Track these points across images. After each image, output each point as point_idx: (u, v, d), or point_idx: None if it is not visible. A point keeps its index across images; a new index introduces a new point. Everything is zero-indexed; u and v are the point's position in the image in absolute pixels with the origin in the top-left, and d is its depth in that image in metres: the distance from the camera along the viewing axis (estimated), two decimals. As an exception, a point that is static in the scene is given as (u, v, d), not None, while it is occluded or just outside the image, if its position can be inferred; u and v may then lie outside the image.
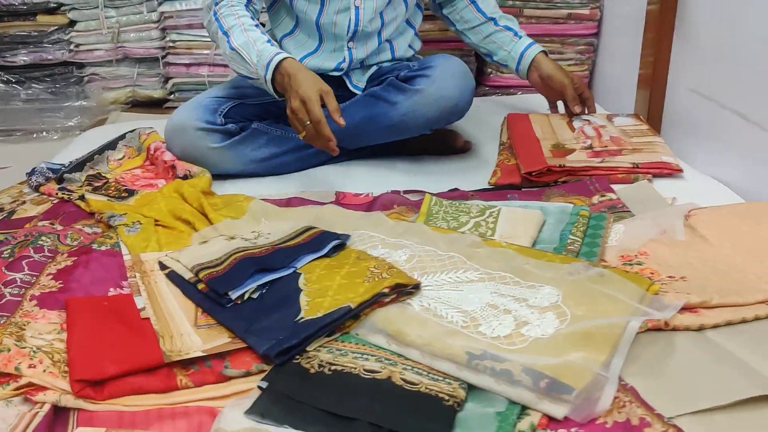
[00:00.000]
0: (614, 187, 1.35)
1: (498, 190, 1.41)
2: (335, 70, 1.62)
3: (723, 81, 1.46)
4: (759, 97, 1.34)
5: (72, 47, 2.50)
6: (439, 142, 1.67)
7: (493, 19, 1.74)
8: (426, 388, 0.84)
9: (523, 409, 0.81)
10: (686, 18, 1.57)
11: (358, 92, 1.63)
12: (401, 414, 0.80)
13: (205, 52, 2.48)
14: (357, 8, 1.56)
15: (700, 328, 0.93)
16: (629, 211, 1.26)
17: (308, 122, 1.34)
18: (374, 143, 1.62)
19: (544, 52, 1.70)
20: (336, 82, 1.60)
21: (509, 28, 1.73)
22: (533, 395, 0.81)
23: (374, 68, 1.67)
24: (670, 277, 1.04)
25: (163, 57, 2.57)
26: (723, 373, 0.84)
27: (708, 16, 1.50)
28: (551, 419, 0.79)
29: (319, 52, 1.62)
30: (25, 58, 2.55)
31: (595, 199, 1.31)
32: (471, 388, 0.85)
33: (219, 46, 1.52)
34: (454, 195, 1.39)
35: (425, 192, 1.38)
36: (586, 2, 2.15)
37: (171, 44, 2.49)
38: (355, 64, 1.64)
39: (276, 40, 1.64)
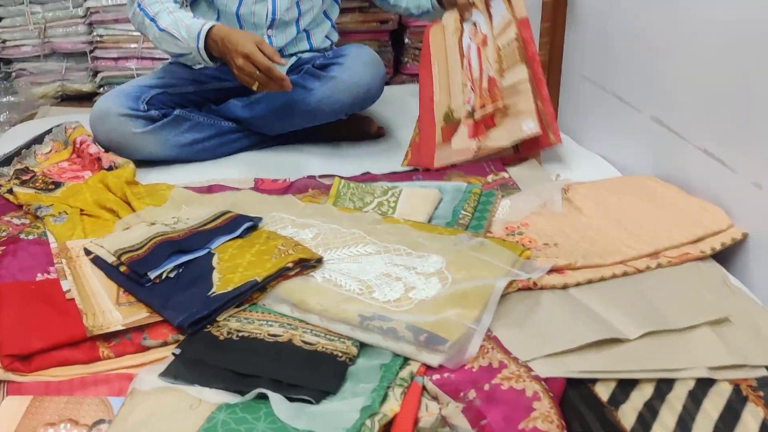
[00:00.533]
0: (507, 168, 1.48)
1: (405, 173, 1.53)
2: None
3: (606, 67, 1.60)
4: (632, 80, 1.49)
5: (-1, 43, 2.52)
6: (354, 128, 1.78)
7: None
8: (323, 348, 0.96)
9: (405, 361, 0.93)
10: (576, 9, 1.71)
11: None
12: (299, 370, 0.92)
13: (133, 45, 2.52)
14: None
15: (565, 287, 1.07)
16: (518, 188, 1.40)
17: (257, 73, 1.47)
18: (293, 128, 1.72)
19: None
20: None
21: None
22: (413, 348, 0.93)
23: (294, 59, 1.76)
24: (545, 244, 1.18)
25: (91, 51, 2.60)
26: (576, 323, 0.97)
27: (593, 7, 1.64)
28: (428, 367, 0.92)
29: None
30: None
31: (490, 178, 1.45)
32: (362, 346, 0.97)
33: (148, 34, 1.62)
34: (365, 178, 1.50)
35: (336, 176, 1.49)
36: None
37: (98, 39, 2.52)
38: (288, 50, 1.74)
39: None
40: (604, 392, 0.88)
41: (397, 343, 0.95)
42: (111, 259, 1.18)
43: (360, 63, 1.63)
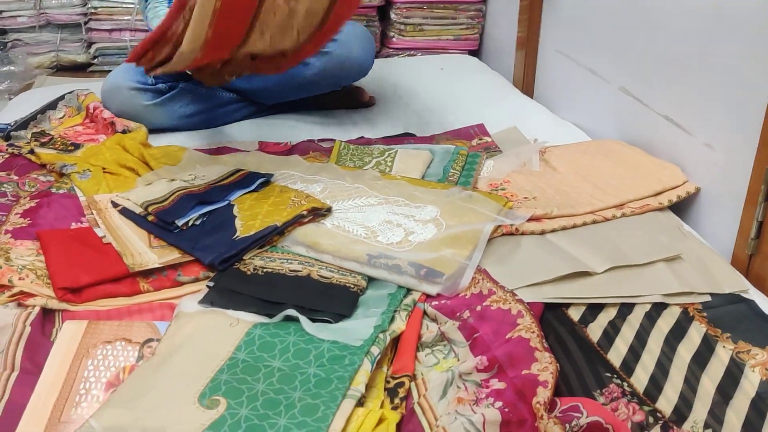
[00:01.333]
0: (490, 132, 1.64)
1: (397, 137, 1.68)
2: None
3: (579, 43, 1.77)
4: (603, 55, 1.65)
5: (-6, 14, 2.59)
6: (347, 97, 1.92)
7: None
8: (337, 281, 1.11)
9: (408, 291, 1.09)
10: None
11: None
12: (318, 298, 1.07)
13: (126, 18, 2.61)
14: None
15: (542, 233, 1.23)
16: (500, 151, 1.56)
17: None
18: (291, 99, 1.85)
19: None
20: None
21: None
22: (415, 280, 1.09)
23: None
24: (524, 197, 1.34)
25: (86, 23, 2.69)
26: (552, 260, 1.14)
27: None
28: (428, 296, 1.08)
29: None
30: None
31: (474, 141, 1.61)
32: (370, 280, 1.13)
33: None
34: (361, 141, 1.65)
35: (336, 139, 1.64)
36: (475, -28, 2.42)
37: (93, 10, 2.60)
38: None
39: None
40: (575, 314, 1.05)
41: (400, 276, 1.10)
42: (138, 210, 1.32)
43: (353, 39, 1.76)
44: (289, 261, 1.16)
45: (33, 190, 1.44)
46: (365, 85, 1.99)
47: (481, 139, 1.61)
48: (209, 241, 1.19)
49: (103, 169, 1.51)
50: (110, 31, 2.65)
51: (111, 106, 1.75)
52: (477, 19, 2.48)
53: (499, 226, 1.22)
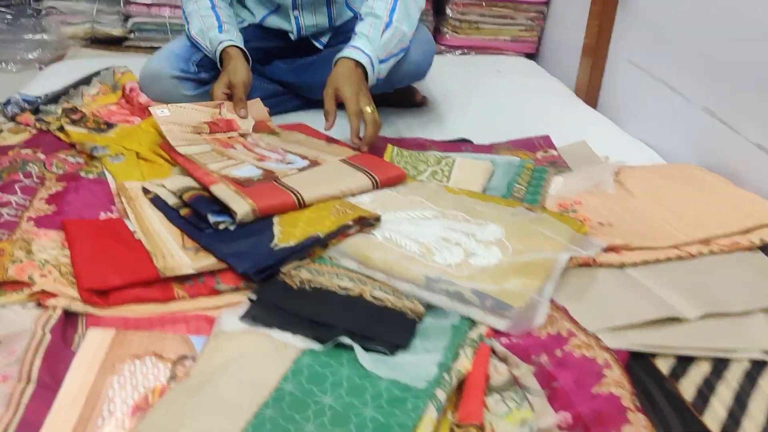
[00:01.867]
0: (556, 145, 1.51)
1: (452, 142, 1.56)
2: (293, 32, 1.72)
3: (656, 54, 1.63)
4: (686, 70, 1.51)
5: (31, -21, 2.50)
6: (399, 97, 1.79)
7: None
8: (392, 304, 0.99)
9: (472, 323, 0.97)
10: (629, -7, 1.73)
11: (321, 47, 1.74)
12: (371, 323, 0.95)
13: (168, -8, 2.52)
14: None
15: (622, 266, 1.11)
16: (568, 167, 1.43)
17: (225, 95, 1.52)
18: None
19: (354, 60, 1.45)
20: (299, 39, 1.72)
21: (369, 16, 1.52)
22: (480, 312, 0.97)
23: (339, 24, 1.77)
24: (599, 223, 1.21)
25: (125, -6, 2.59)
26: (636, 301, 1.01)
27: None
28: (496, 331, 0.96)
29: (278, 13, 1.71)
30: (-19, -12, 2.53)
31: (539, 154, 1.48)
32: (429, 307, 1.00)
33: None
34: (414, 143, 1.53)
35: (386, 138, 1.52)
36: (540, -29, 2.29)
37: (133, -18, 2.51)
38: (308, 30, 1.73)
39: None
40: (663, 366, 0.92)
41: (463, 305, 0.98)
42: (172, 200, 1.20)
43: (413, 40, 1.63)
44: (340, 276, 1.04)
45: (60, 172, 1.33)
46: (416, 84, 1.86)
47: (546, 152, 1.48)
48: (244, 247, 1.08)
49: (137, 154, 1.40)
50: (149, 5, 2.55)
51: (150, 93, 1.64)
52: (537, 20, 2.35)
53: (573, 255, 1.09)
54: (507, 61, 2.25)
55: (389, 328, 0.95)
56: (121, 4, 2.61)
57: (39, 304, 0.96)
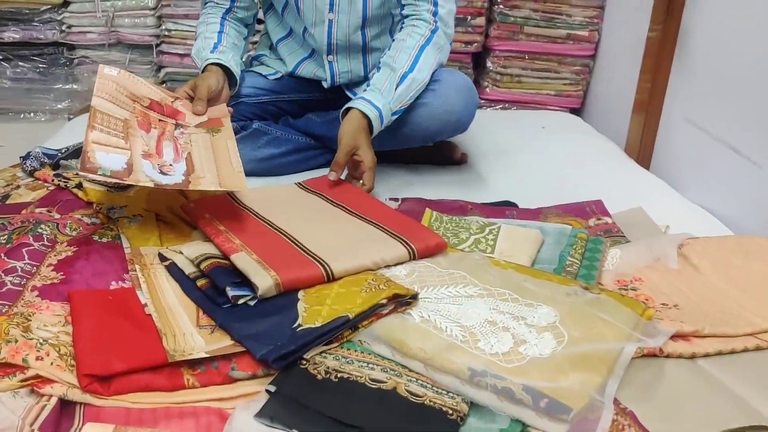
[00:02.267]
0: (613, 212, 1.38)
1: (496, 206, 1.44)
2: (327, 80, 1.64)
3: (717, 113, 1.50)
4: (751, 131, 1.38)
5: (64, 28, 2.46)
6: (437, 153, 1.69)
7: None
8: (430, 401, 0.86)
9: (524, 427, 0.83)
10: (686, 47, 1.62)
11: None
12: (407, 425, 0.82)
13: (201, 43, 2.47)
14: (331, 22, 1.56)
15: (692, 357, 0.97)
16: (624, 236, 1.30)
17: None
18: (375, 150, 1.63)
19: (362, 113, 1.41)
20: (333, 89, 1.64)
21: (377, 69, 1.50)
22: (533, 413, 0.83)
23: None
24: (663, 304, 1.08)
25: (157, 45, 2.55)
26: (714, 402, 0.87)
27: (708, 47, 1.55)
28: (551, 438, 0.82)
29: (312, 59, 1.64)
30: (14, 35, 2.50)
31: (591, 221, 1.35)
32: (473, 404, 0.87)
33: None
34: (453, 205, 1.41)
35: (423, 200, 1.41)
36: (585, 24, 2.19)
37: (166, 33, 2.47)
38: (342, 78, 1.65)
39: (272, 42, 1.69)
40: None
41: (514, 405, 0.85)
42: (189, 269, 1.10)
43: (453, 90, 1.53)
44: (371, 365, 0.92)
45: (74, 234, 1.24)
46: (455, 139, 1.76)
47: (599, 219, 1.35)
48: (263, 327, 0.96)
49: (157, 216, 1.30)
50: (182, 56, 2.51)
51: None
52: (582, 74, 2.24)
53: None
54: (551, 116, 2.13)
55: (427, 430, 0.82)
56: (154, 54, 2.57)
57: (33, 391, 0.85)
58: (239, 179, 1.22)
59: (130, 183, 1.16)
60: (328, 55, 1.60)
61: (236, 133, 1.56)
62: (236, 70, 1.56)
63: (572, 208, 1.39)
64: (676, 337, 0.99)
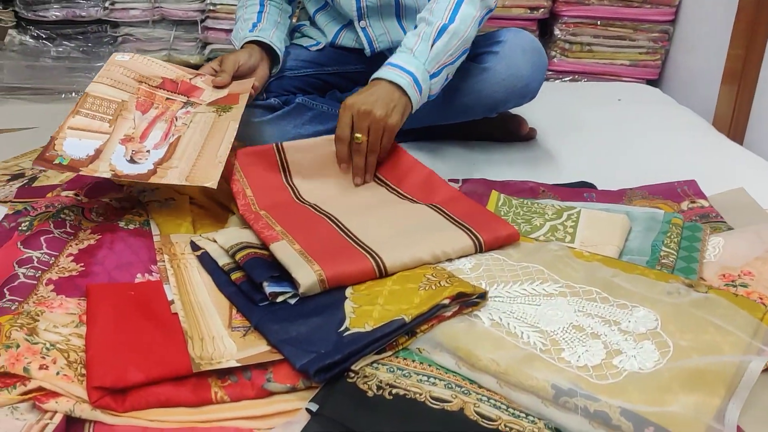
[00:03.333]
0: (707, 194, 1.19)
1: (572, 188, 1.26)
2: (367, 49, 1.49)
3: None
4: None
5: (107, 5, 2.39)
6: (501, 127, 1.52)
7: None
8: (505, 426, 0.71)
9: (624, 462, 0.67)
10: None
11: None
12: (477, 457, 0.67)
13: (247, 18, 2.36)
14: None
15: (824, 370, 0.79)
16: (724, 222, 1.11)
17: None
18: (429, 124, 1.47)
19: (391, 83, 1.19)
20: (378, 59, 1.47)
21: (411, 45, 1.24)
22: (636, 445, 0.67)
23: None
24: (784, 303, 0.89)
25: (202, 21, 2.46)
26: None
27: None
28: (659, 478, 0.66)
29: (350, 27, 1.50)
30: (57, 14, 2.44)
31: (684, 205, 1.17)
32: (557, 430, 0.71)
33: None
34: (523, 187, 1.25)
35: (487, 181, 1.24)
36: (665, -15, 1.99)
37: (211, 7, 2.37)
38: (381, 44, 1.48)
39: (310, 14, 1.56)
40: None
41: (609, 432, 0.69)
42: (223, 260, 0.97)
43: (519, 51, 1.36)
44: (432, 380, 0.77)
45: (100, 219, 1.12)
46: (521, 112, 1.58)
47: (694, 202, 1.17)
48: (306, 330, 0.82)
49: (191, 199, 1.17)
50: (228, 31, 2.40)
51: None
52: (661, 42, 2.04)
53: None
54: (626, 88, 1.94)
55: (502, 464, 0.66)
56: (199, 30, 2.47)
57: (35, 406, 0.73)
58: (212, 173, 1.06)
59: (84, 174, 1.06)
60: (360, 21, 1.45)
61: (278, 108, 1.44)
62: (279, 46, 1.42)
63: (661, 190, 1.21)
64: (805, 346, 0.81)
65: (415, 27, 1.26)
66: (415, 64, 1.19)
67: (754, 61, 1.52)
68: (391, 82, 1.18)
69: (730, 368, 0.75)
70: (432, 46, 1.21)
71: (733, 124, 1.57)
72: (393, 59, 1.22)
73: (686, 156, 1.44)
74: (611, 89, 1.88)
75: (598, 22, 2.05)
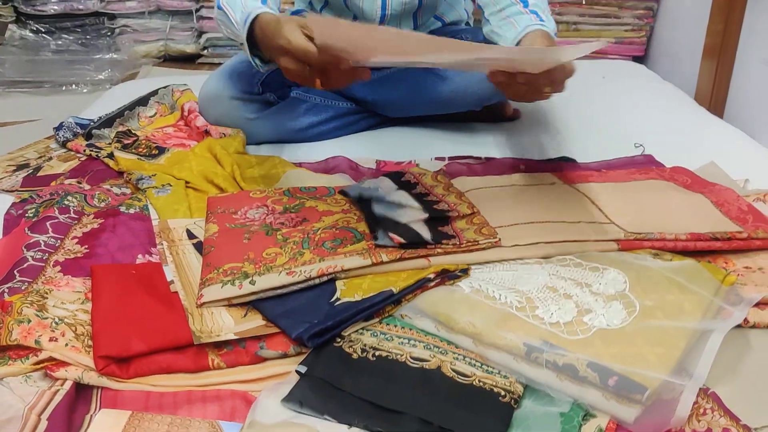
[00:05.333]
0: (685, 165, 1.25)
1: (551, 162, 1.32)
2: None
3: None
4: None
5: (104, -3, 2.44)
6: (486, 110, 1.56)
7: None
8: (479, 381, 0.77)
9: (588, 411, 0.73)
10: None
11: None
12: (453, 409, 0.73)
13: (241, 6, 2.39)
14: None
15: (785, 327, 0.84)
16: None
17: (308, 68, 1.02)
18: (417, 115, 1.52)
19: (547, 33, 1.18)
20: None
21: (534, 12, 1.23)
22: (600, 394, 0.73)
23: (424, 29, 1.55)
24: (746, 267, 0.95)
25: (197, 10, 2.50)
26: (815, 380, 0.75)
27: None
28: (620, 423, 0.71)
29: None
30: (55, 8, 2.50)
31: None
32: (528, 385, 0.77)
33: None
34: (502, 166, 1.30)
35: (470, 159, 1.30)
36: (648, -37, 2.02)
37: (205, -3, 2.42)
38: None
39: (315, 8, 1.54)
40: None
41: (576, 385, 0.74)
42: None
43: None
44: (412, 342, 0.82)
45: (102, 205, 1.18)
46: (507, 94, 1.62)
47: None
48: (298, 304, 0.88)
49: (187, 183, 1.23)
50: (222, 20, 2.42)
51: (209, 117, 1.47)
52: (646, 19, 2.07)
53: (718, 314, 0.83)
54: (612, 65, 1.97)
55: (477, 416, 0.72)
56: (194, 20, 2.52)
57: (47, 375, 0.79)
58: None
59: None
60: (380, 24, 1.47)
61: (271, 104, 1.47)
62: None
63: (621, 164, 1.27)
64: (763, 304, 0.86)
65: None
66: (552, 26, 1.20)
67: (732, 36, 1.56)
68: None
69: (692, 324, 0.80)
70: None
71: (713, 98, 1.61)
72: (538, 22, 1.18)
73: (667, 130, 1.48)
74: (597, 67, 1.91)
75: (584, 1, 2.08)
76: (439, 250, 0.94)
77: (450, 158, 1.36)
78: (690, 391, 0.71)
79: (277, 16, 1.10)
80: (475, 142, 1.47)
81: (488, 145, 1.46)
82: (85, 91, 2.31)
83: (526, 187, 1.16)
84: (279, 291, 0.89)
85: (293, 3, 1.62)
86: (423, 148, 1.43)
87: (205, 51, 2.52)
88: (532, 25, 1.18)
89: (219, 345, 0.83)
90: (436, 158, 1.36)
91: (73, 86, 2.34)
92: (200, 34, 2.53)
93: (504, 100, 1.53)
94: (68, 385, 0.77)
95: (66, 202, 1.16)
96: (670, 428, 0.70)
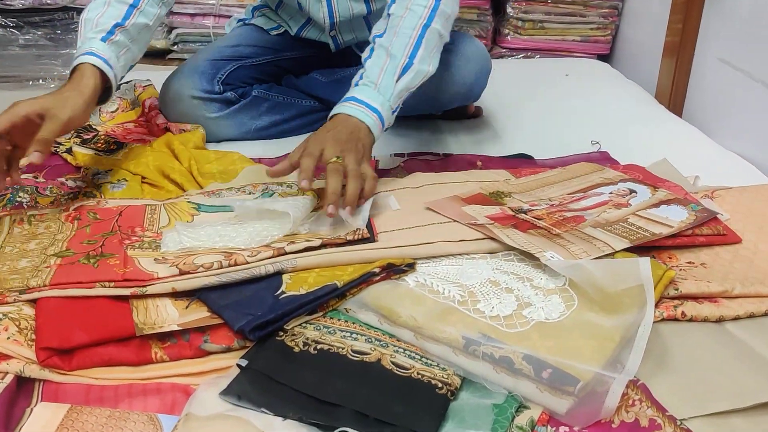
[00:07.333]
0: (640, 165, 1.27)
1: (509, 159, 1.34)
2: (332, 46, 1.53)
3: (756, 51, 1.36)
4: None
5: (73, -9, 2.41)
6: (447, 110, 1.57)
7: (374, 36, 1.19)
8: (418, 374, 0.78)
9: (521, 403, 0.74)
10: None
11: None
12: (389, 401, 0.74)
13: (211, 2, 2.39)
14: (329, 1, 1.42)
15: (720, 320, 0.86)
16: (647, 188, 1.18)
17: None
18: None
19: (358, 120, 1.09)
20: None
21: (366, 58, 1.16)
22: (534, 386, 0.74)
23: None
24: (689, 263, 0.97)
25: (167, 6, 2.48)
26: (743, 372, 0.77)
27: (743, -20, 1.40)
28: (552, 415, 0.73)
29: (311, 25, 1.53)
30: (23, 2, 2.46)
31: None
32: (466, 378, 0.78)
33: None
34: (461, 161, 1.32)
35: (429, 155, 1.31)
36: (612, -38, 2.04)
37: (175, -8, 2.39)
38: (348, 44, 1.53)
39: (272, 6, 1.56)
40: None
41: (512, 377, 0.76)
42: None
43: (464, 60, 1.37)
44: (354, 335, 0.83)
45: (53, 196, 1.18)
46: (471, 91, 1.64)
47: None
48: (244, 296, 0.88)
49: (143, 178, 1.23)
50: (192, 15, 2.43)
51: (170, 117, 1.47)
52: (611, 18, 2.09)
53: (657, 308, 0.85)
54: (577, 64, 2.00)
55: (413, 408, 0.73)
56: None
57: (-12, 369, 0.79)
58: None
59: None
60: (330, 31, 1.49)
61: (232, 103, 1.48)
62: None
63: (578, 160, 1.29)
64: (702, 299, 0.88)
65: (372, 50, 1.15)
66: (380, 101, 1.10)
67: (690, 35, 1.58)
68: (358, 119, 1.08)
69: (629, 318, 0.82)
70: (396, 82, 1.12)
71: (672, 96, 1.63)
72: (357, 94, 1.10)
73: (626, 128, 1.50)
74: (560, 65, 1.94)
75: (549, 0, 2.09)
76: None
77: (409, 154, 1.37)
78: (619, 383, 0.73)
79: (81, 79, 1.11)
80: (437, 139, 1.48)
81: (449, 141, 1.47)
82: (52, 86, 2.29)
83: (472, 183, 1.16)
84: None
85: (253, -1, 1.62)
86: (383, 146, 1.43)
87: (175, 47, 2.50)
88: (349, 102, 1.10)
89: (163, 338, 0.84)
90: (396, 155, 1.37)
91: (41, 81, 2.32)
92: (170, 29, 2.50)
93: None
94: (9, 378, 0.77)
95: (18, 199, 1.15)
96: (600, 419, 0.71)
